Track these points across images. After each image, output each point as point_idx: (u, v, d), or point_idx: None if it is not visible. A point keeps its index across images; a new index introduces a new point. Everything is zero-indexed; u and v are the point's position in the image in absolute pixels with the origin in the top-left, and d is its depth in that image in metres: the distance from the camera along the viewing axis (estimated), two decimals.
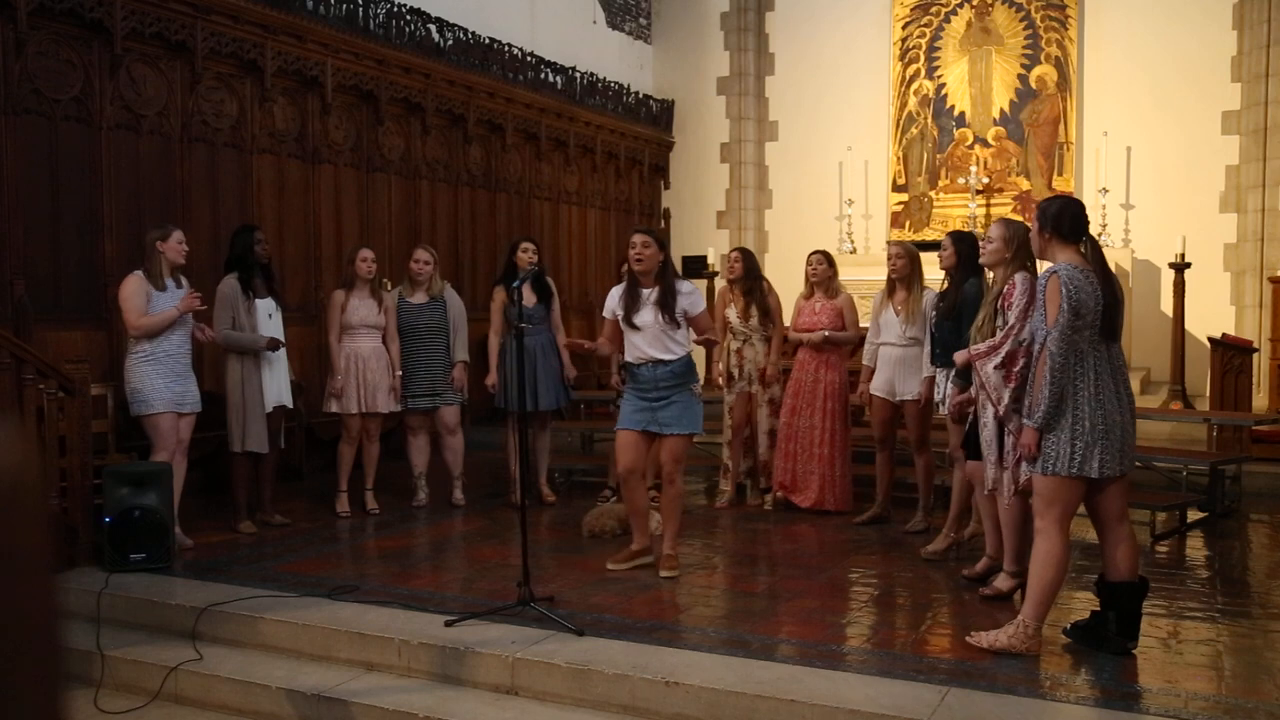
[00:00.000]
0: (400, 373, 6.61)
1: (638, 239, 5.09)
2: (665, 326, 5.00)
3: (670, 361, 5.02)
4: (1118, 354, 3.92)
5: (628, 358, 5.13)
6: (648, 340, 5.03)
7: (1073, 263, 3.85)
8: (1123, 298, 3.98)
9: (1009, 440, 4.21)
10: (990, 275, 4.93)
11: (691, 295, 5.09)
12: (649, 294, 5.05)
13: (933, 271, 6.25)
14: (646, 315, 5.02)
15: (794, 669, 3.83)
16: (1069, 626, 4.17)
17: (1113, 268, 10.77)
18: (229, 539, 5.93)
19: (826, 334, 6.50)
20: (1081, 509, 4.04)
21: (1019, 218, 11.13)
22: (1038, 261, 4.39)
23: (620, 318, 5.09)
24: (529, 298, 6.71)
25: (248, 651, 4.48)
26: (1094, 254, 3.94)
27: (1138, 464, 7.13)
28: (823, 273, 6.64)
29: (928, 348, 5.83)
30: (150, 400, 5.48)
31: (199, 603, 4.67)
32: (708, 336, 5.29)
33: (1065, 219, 3.92)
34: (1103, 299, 3.83)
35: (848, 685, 3.69)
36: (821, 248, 7.01)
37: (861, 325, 6.76)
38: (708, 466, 7.76)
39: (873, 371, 6.22)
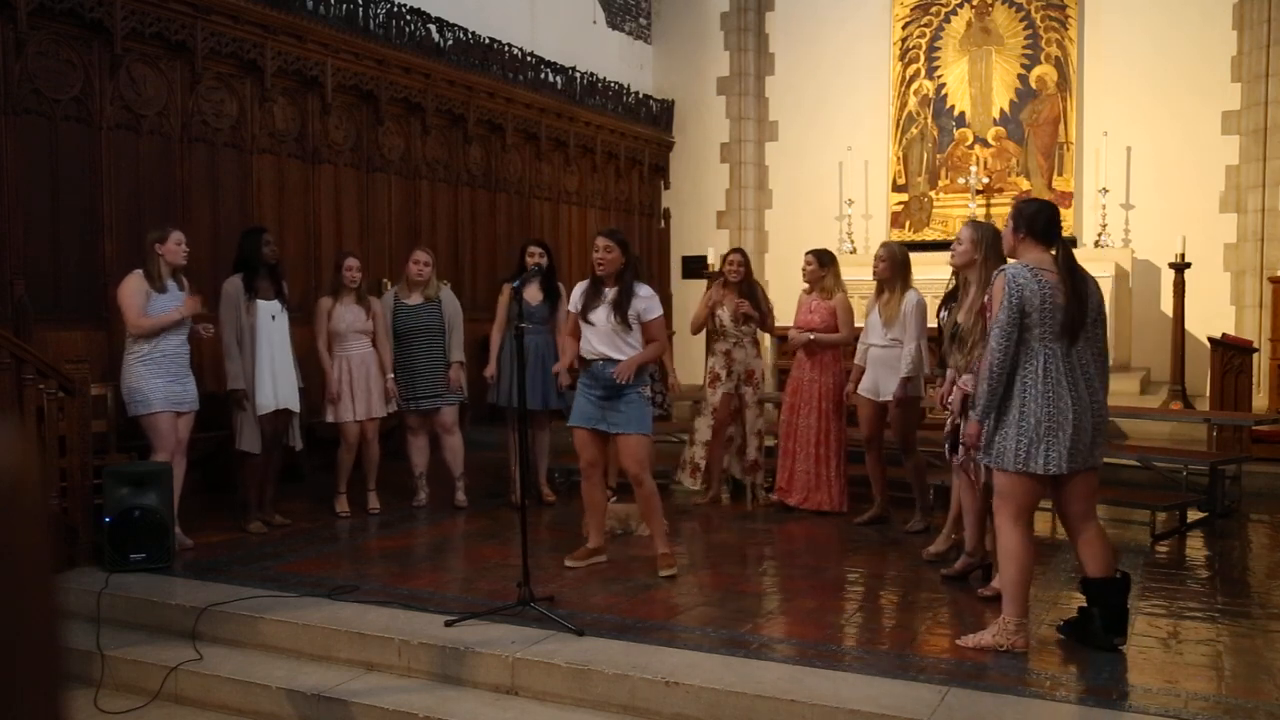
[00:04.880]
0: (392, 375, 6.60)
1: (600, 242, 5.17)
2: (617, 326, 5.06)
3: (621, 362, 5.05)
4: (1083, 354, 3.88)
5: (582, 352, 5.20)
6: (600, 338, 5.09)
7: (1039, 263, 3.87)
8: (1089, 300, 3.90)
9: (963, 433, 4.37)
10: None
11: (648, 300, 5.13)
12: (608, 293, 5.12)
13: (924, 271, 6.28)
14: (600, 313, 5.09)
15: (794, 669, 3.83)
16: (1062, 623, 4.19)
17: (1113, 268, 10.73)
18: (229, 539, 5.92)
19: (811, 337, 6.51)
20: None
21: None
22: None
23: (578, 312, 5.19)
24: (535, 296, 6.74)
25: (248, 651, 4.48)
26: (1065, 258, 3.94)
27: (1137, 464, 7.18)
28: (812, 273, 6.64)
29: (908, 347, 5.89)
30: (148, 400, 5.48)
31: (199, 603, 4.67)
32: (650, 350, 5.15)
33: (1040, 220, 3.96)
34: (1062, 300, 3.82)
35: (848, 685, 3.69)
36: (820, 246, 7.01)
37: (856, 326, 6.77)
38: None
39: (863, 371, 6.24)
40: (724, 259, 7.03)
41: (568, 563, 5.29)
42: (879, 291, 6.18)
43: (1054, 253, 3.96)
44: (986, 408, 3.88)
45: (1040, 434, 3.79)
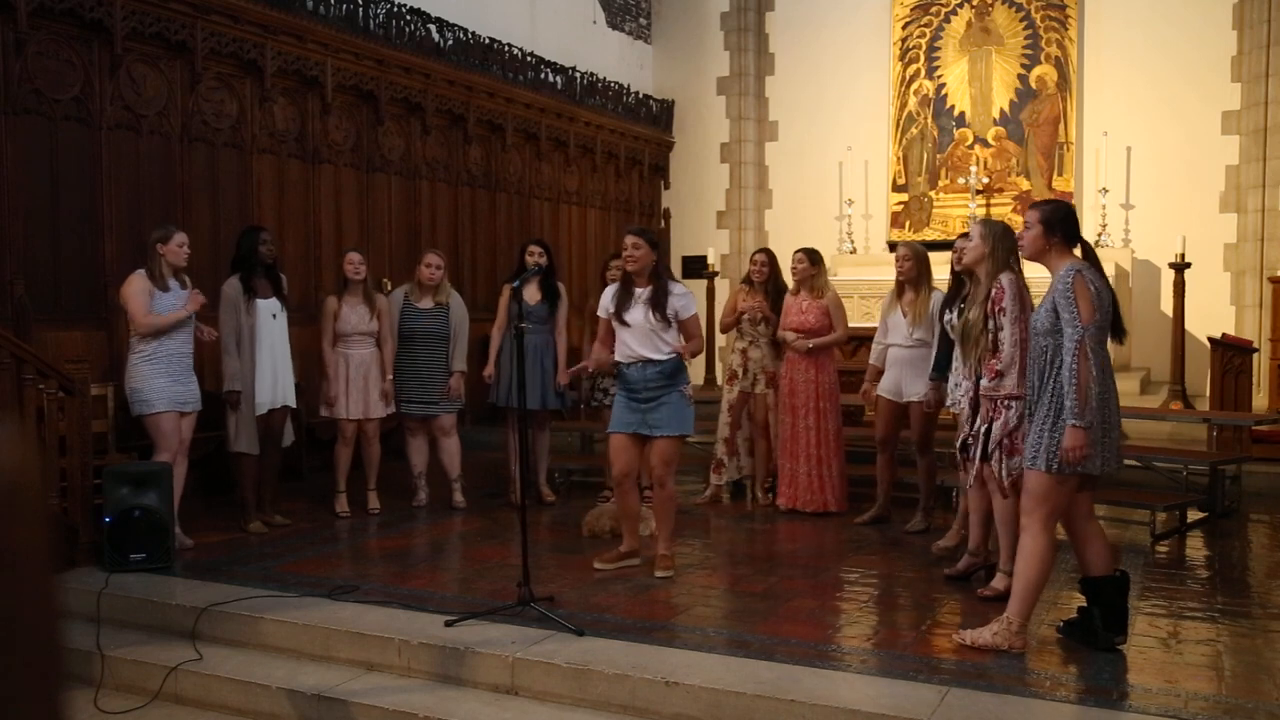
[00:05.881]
0: (391, 376, 6.58)
1: (629, 240, 5.14)
2: (656, 326, 5.02)
3: (660, 362, 5.03)
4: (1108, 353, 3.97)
5: (618, 357, 5.16)
6: (638, 339, 5.05)
7: (1078, 264, 3.89)
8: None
9: (994, 438, 4.32)
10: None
11: (684, 298, 5.11)
12: (641, 293, 5.09)
13: (942, 272, 6.25)
14: (637, 313, 5.05)
15: (794, 669, 3.83)
16: (1062, 624, 4.19)
17: (1112, 268, 10.77)
18: (229, 539, 5.93)
19: (811, 344, 6.49)
20: None
21: (1017, 218, 11.17)
22: (1023, 262, 4.50)
23: (611, 314, 5.14)
24: (533, 296, 6.74)
25: (248, 651, 4.49)
26: (1092, 255, 3.99)
27: (1137, 464, 7.18)
28: (804, 271, 6.62)
29: (934, 350, 5.84)
30: (152, 400, 5.48)
31: (199, 603, 4.67)
32: (691, 346, 5.17)
33: (1066, 222, 3.98)
34: (1110, 299, 3.88)
35: (848, 685, 3.69)
36: (819, 246, 7.02)
37: (852, 325, 6.77)
38: (701, 466, 7.70)
39: (880, 372, 6.21)
40: (750, 259, 7.05)
41: (597, 564, 5.26)
42: (900, 291, 6.13)
43: (1081, 253, 3.98)
44: (1086, 412, 3.74)
45: (1098, 435, 3.79)
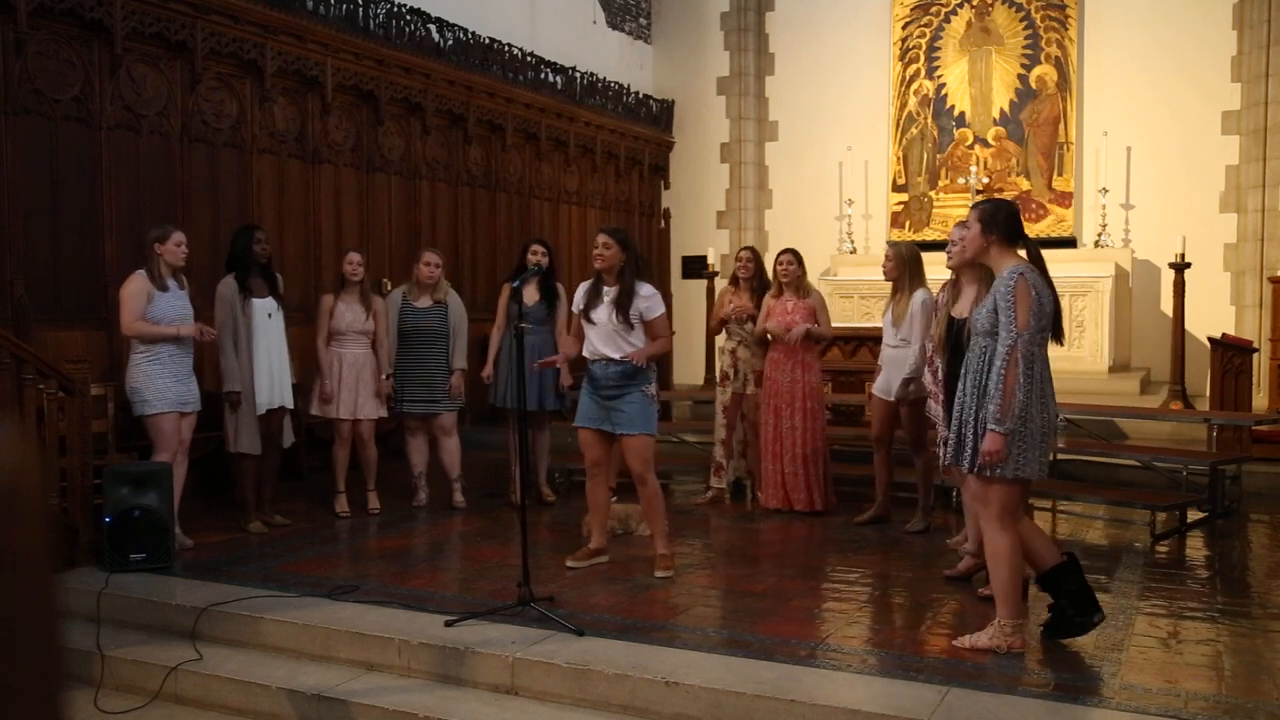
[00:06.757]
0: (385, 376, 6.56)
1: (600, 239, 5.18)
2: (619, 326, 5.05)
3: (621, 362, 5.05)
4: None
5: (584, 353, 5.20)
6: (602, 338, 5.08)
7: (1021, 265, 3.89)
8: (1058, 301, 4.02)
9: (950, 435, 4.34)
10: None
11: (650, 299, 5.12)
12: (609, 292, 5.11)
13: (936, 272, 6.25)
14: (602, 313, 5.08)
15: (794, 669, 3.83)
16: (1042, 628, 4.19)
17: (1113, 268, 10.70)
18: (229, 539, 5.93)
19: (809, 328, 6.46)
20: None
21: None
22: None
23: (580, 312, 5.18)
24: (532, 296, 6.74)
25: (248, 651, 4.49)
26: (1039, 259, 3.98)
27: (1137, 464, 7.20)
28: (792, 272, 6.60)
29: (914, 347, 5.88)
30: (152, 400, 5.48)
31: (199, 603, 4.67)
32: (653, 347, 5.12)
33: (1009, 222, 3.97)
34: (1053, 301, 3.89)
35: (848, 685, 3.69)
36: (819, 247, 7.03)
37: (852, 325, 6.77)
38: (701, 467, 7.69)
39: None
40: (735, 257, 7.04)
41: (569, 563, 5.29)
42: (893, 292, 6.19)
43: (1023, 253, 3.98)
44: (1007, 418, 3.74)
45: (1038, 439, 3.80)
